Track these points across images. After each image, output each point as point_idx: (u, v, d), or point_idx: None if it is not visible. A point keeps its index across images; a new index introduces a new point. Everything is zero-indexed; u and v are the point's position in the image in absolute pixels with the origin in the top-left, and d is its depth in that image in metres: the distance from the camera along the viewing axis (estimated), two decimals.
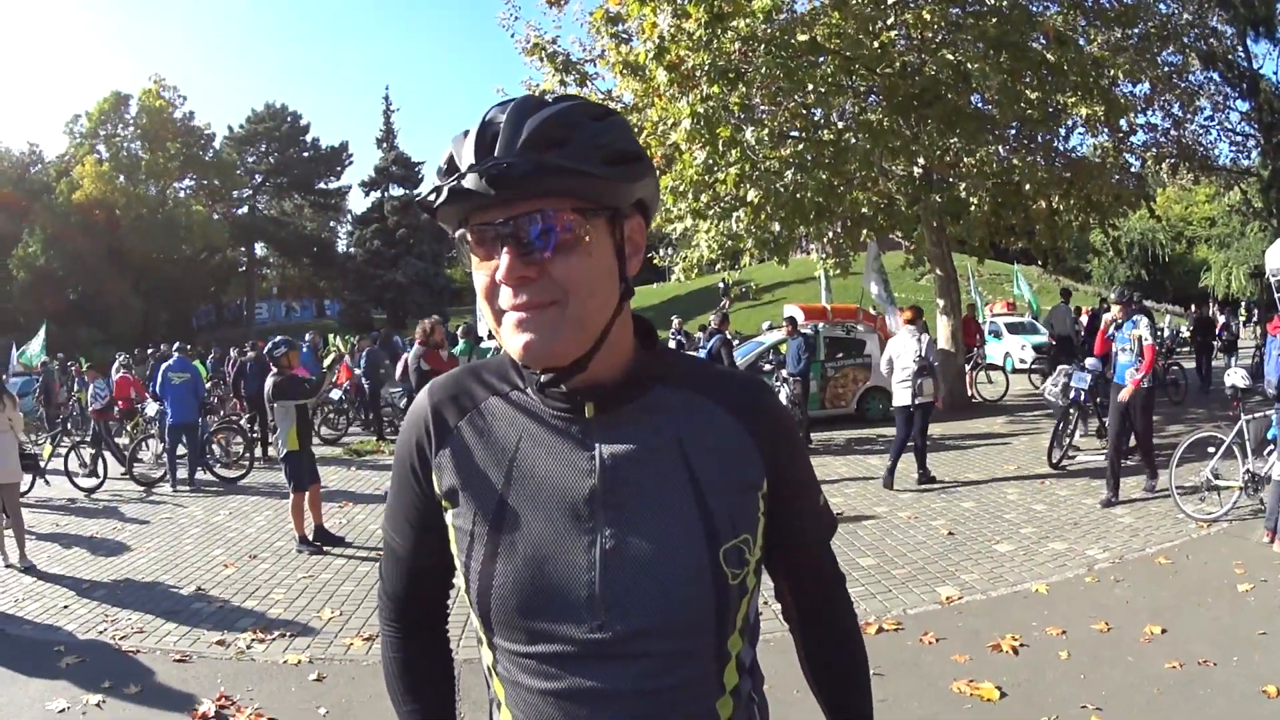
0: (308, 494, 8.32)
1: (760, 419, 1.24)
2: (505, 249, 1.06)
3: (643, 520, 1.15)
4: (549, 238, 1.06)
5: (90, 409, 13.19)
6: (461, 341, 13.20)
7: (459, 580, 1.24)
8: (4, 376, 13.96)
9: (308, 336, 20.78)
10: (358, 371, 17.80)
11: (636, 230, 1.17)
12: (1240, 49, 18.91)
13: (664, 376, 1.23)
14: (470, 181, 1.04)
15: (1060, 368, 11.17)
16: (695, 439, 1.19)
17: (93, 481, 12.06)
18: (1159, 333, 18.33)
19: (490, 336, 16.52)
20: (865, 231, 16.68)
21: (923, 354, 9.84)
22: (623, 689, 1.13)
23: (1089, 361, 10.31)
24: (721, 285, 40.63)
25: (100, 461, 12.32)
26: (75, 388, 21.07)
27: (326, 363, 9.74)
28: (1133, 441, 9.14)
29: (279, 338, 8.88)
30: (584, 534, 1.14)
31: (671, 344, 26.43)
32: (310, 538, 8.31)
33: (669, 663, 1.15)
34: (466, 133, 1.09)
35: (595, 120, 1.09)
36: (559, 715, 1.15)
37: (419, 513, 1.28)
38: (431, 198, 1.09)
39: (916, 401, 9.85)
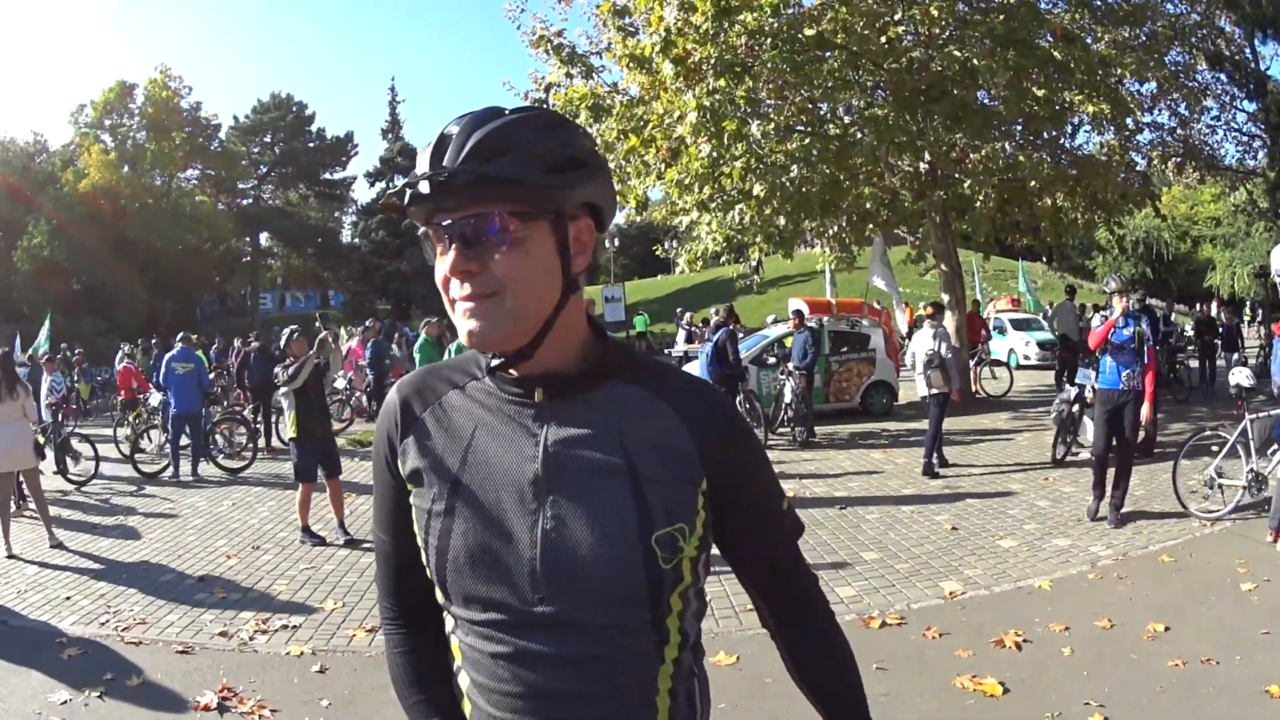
0: (329, 488, 8.31)
1: (702, 421, 1.31)
2: (453, 246, 1.19)
3: (580, 504, 1.24)
4: (485, 237, 1.18)
5: (45, 402, 12.87)
6: None
7: (421, 556, 1.32)
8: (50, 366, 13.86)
9: (367, 323, 20.97)
10: (362, 362, 17.84)
11: (584, 230, 1.28)
12: (1248, 50, 18.80)
13: (619, 373, 1.33)
14: (422, 186, 1.16)
15: (1063, 392, 11.13)
16: (637, 432, 1.28)
17: (87, 470, 11.90)
18: (1170, 329, 18.29)
19: None
20: (870, 226, 16.66)
21: (934, 348, 10.26)
22: (565, 655, 1.23)
23: (1080, 373, 10.36)
24: (754, 263, 40.68)
25: (93, 451, 12.10)
26: (75, 378, 21.04)
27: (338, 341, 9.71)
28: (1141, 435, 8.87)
29: (291, 328, 8.89)
30: (527, 514, 1.24)
31: (681, 335, 26.63)
32: (311, 532, 8.30)
33: (608, 634, 1.24)
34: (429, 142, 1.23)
35: (542, 130, 1.21)
36: (509, 677, 1.25)
37: (396, 504, 1.38)
38: (395, 199, 1.21)
39: (932, 392, 10.28)
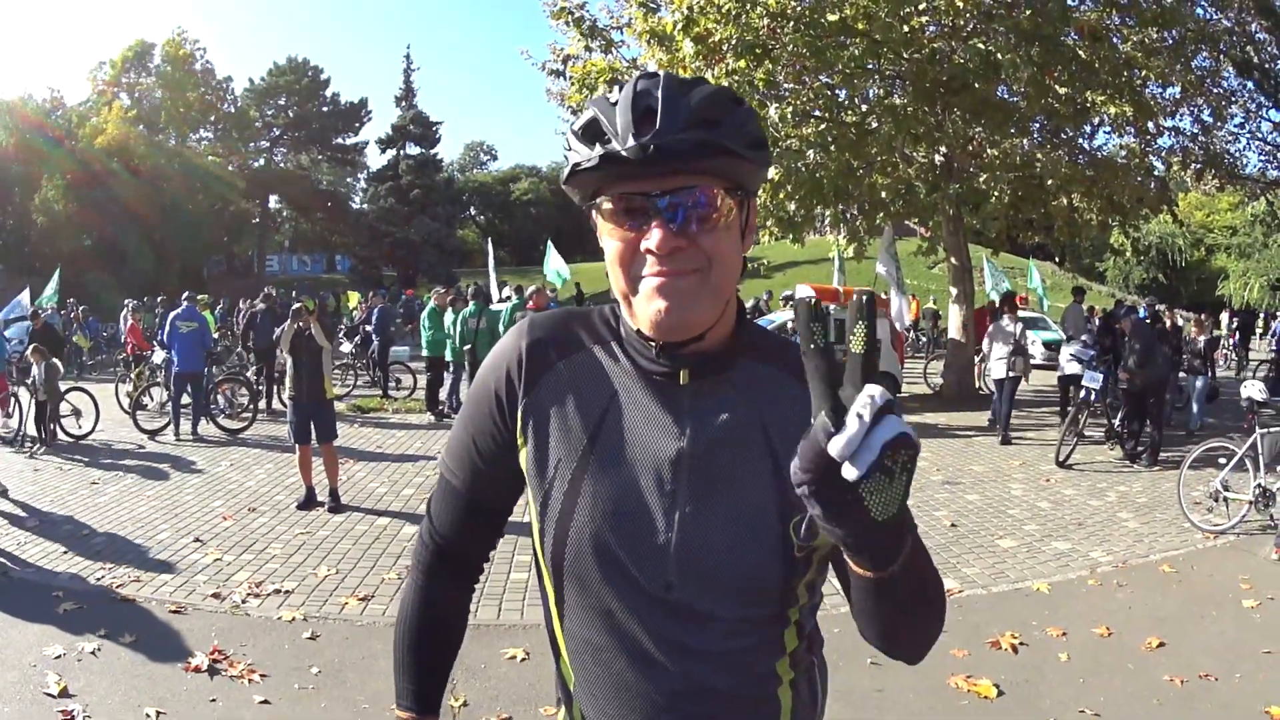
0: (322, 453, 8.27)
1: None
2: (656, 221, 1.09)
3: (722, 490, 1.17)
4: (703, 213, 1.10)
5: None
6: (471, 303, 13.11)
7: (533, 527, 1.25)
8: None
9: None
10: (369, 328, 17.84)
11: (752, 212, 1.21)
12: (1279, 60, 18.52)
13: (751, 351, 1.24)
14: (632, 152, 1.06)
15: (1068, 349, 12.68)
16: (777, 415, 1.20)
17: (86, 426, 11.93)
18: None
19: (507, 299, 16.47)
20: (881, 216, 16.61)
21: (1017, 337, 11.98)
22: (687, 648, 1.17)
23: (1087, 375, 10.87)
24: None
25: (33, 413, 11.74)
26: (75, 332, 21.10)
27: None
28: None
29: (323, 293, 8.89)
30: (665, 496, 1.17)
31: None
32: (320, 497, 8.28)
33: (733, 626, 1.18)
34: (613, 101, 1.12)
35: (738, 105, 1.14)
36: (628, 671, 1.19)
37: (490, 448, 1.29)
38: (581, 162, 1.11)
39: (1010, 374, 11.92)
